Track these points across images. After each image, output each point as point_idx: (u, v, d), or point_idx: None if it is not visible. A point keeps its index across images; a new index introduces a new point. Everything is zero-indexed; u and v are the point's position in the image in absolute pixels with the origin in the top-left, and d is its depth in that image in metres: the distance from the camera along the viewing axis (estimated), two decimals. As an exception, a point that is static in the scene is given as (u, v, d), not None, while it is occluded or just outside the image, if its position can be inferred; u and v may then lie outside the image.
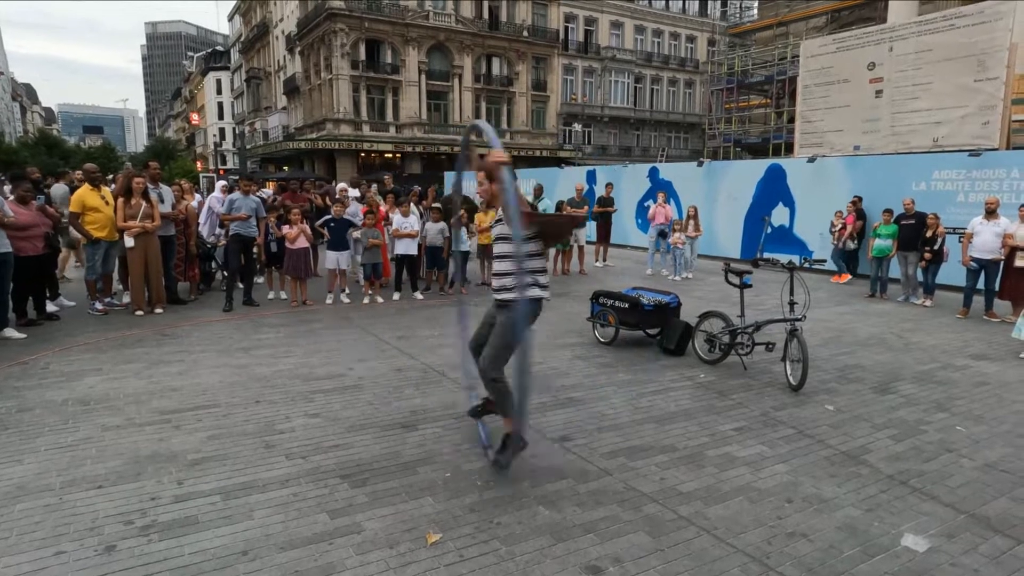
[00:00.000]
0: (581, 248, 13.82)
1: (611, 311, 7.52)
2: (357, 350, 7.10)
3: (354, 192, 12.40)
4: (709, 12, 54.44)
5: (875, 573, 3.16)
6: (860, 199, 12.84)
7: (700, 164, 17.81)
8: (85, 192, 8.45)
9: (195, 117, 73.60)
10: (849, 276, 12.80)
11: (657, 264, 13.78)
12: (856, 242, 12.86)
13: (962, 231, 10.06)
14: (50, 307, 8.51)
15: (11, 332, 7.30)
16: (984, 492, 4.02)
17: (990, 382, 6.38)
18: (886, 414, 5.39)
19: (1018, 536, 3.52)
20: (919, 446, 4.72)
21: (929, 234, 10.28)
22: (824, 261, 12.74)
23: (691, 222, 12.96)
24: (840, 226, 12.93)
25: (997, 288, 9.39)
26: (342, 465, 4.16)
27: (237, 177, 11.70)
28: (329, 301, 9.74)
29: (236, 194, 9.46)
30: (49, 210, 8.61)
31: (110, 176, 12.70)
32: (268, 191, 14.02)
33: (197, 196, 10.17)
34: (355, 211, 10.80)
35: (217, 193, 11.32)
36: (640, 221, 18.40)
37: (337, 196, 11.53)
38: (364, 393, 5.64)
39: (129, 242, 8.36)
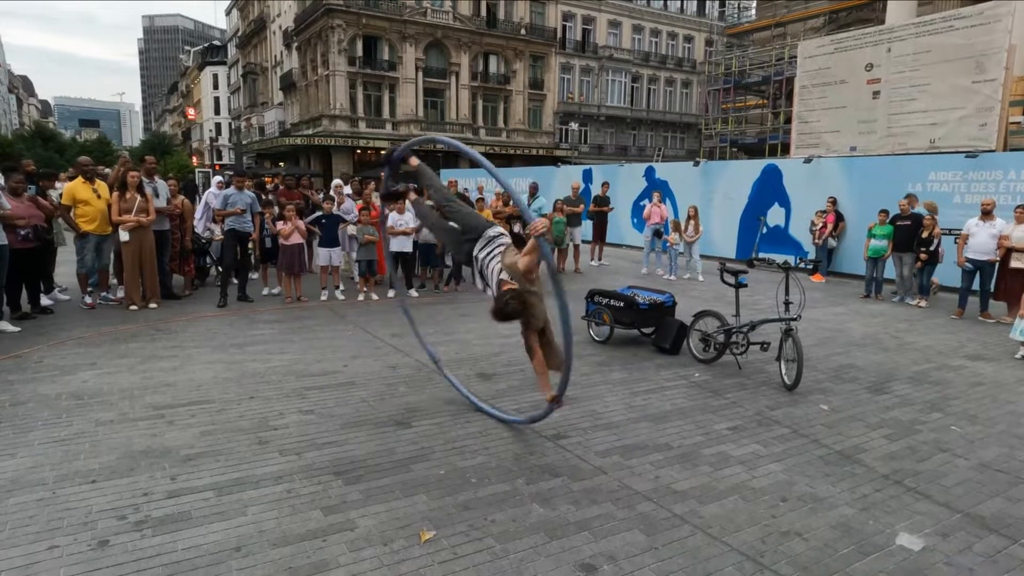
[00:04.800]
0: (577, 247, 13.82)
1: (606, 310, 7.52)
2: (351, 347, 7.08)
3: (347, 189, 12.36)
4: (707, 12, 54.47)
5: (870, 572, 3.16)
6: (835, 200, 13.30)
7: (696, 164, 17.82)
8: (77, 185, 8.41)
9: (191, 112, 73.27)
10: (823, 278, 12.90)
11: (652, 263, 13.78)
12: (836, 241, 13.11)
13: (958, 232, 10.08)
14: (44, 301, 8.47)
15: (5, 325, 7.27)
16: (979, 491, 4.03)
17: (985, 382, 6.39)
18: (881, 414, 5.40)
19: (1013, 535, 3.52)
20: (914, 446, 4.73)
21: (925, 235, 10.30)
22: (820, 262, 12.88)
23: (691, 223, 12.91)
24: (820, 225, 13.07)
25: (992, 289, 9.42)
26: (336, 462, 4.15)
27: (232, 173, 11.67)
28: (324, 298, 9.72)
29: (231, 189, 9.43)
30: (42, 202, 8.56)
31: (106, 171, 12.58)
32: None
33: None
34: (349, 207, 10.78)
35: (213, 188, 11.28)
36: (636, 220, 18.41)
37: (331, 192, 11.52)
38: (358, 390, 5.63)
39: (124, 236, 8.33)
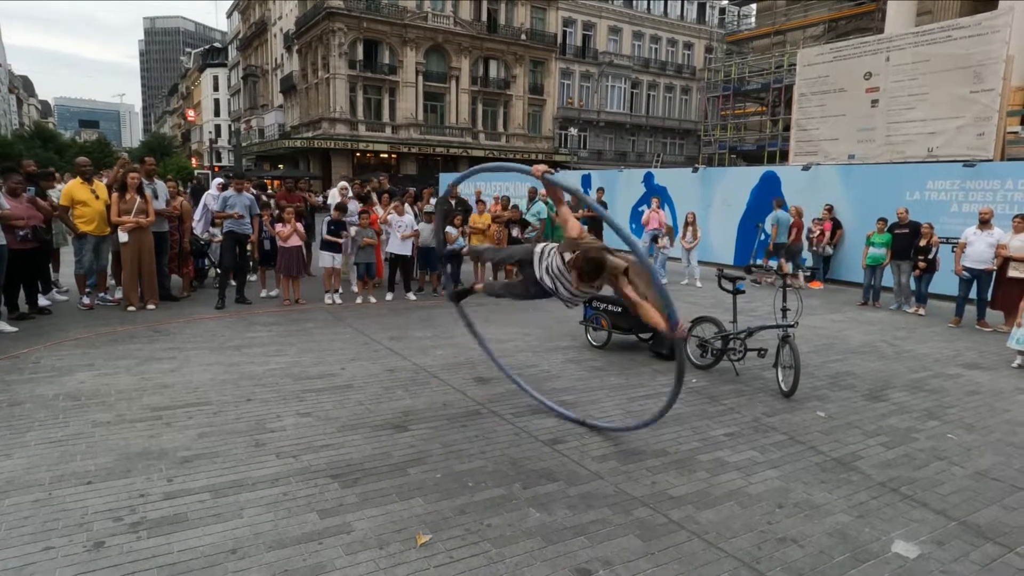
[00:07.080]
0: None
1: (604, 315, 7.53)
2: (349, 350, 7.08)
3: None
4: (707, 19, 54.68)
5: (865, 580, 3.17)
6: (832, 207, 13.38)
7: (695, 170, 17.85)
8: (75, 186, 8.42)
9: (191, 113, 73.37)
10: (821, 284, 12.92)
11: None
12: (832, 248, 13.18)
13: (955, 241, 10.11)
14: (42, 301, 8.46)
15: (3, 325, 7.26)
16: (975, 500, 4.03)
17: (982, 391, 6.40)
18: (877, 421, 5.41)
19: (1009, 543, 3.53)
20: (910, 453, 4.74)
21: (923, 243, 10.33)
22: (816, 269, 12.88)
23: (689, 229, 12.92)
24: (818, 232, 13.11)
25: (989, 298, 9.45)
26: (333, 465, 4.15)
27: (231, 175, 11.68)
28: (328, 301, 9.67)
29: (230, 191, 9.43)
30: (41, 203, 8.55)
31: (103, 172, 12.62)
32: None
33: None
34: (351, 210, 10.77)
35: (213, 190, 11.27)
36: (635, 226, 18.42)
37: (337, 194, 11.54)
38: (355, 393, 5.62)
39: (123, 237, 8.33)
